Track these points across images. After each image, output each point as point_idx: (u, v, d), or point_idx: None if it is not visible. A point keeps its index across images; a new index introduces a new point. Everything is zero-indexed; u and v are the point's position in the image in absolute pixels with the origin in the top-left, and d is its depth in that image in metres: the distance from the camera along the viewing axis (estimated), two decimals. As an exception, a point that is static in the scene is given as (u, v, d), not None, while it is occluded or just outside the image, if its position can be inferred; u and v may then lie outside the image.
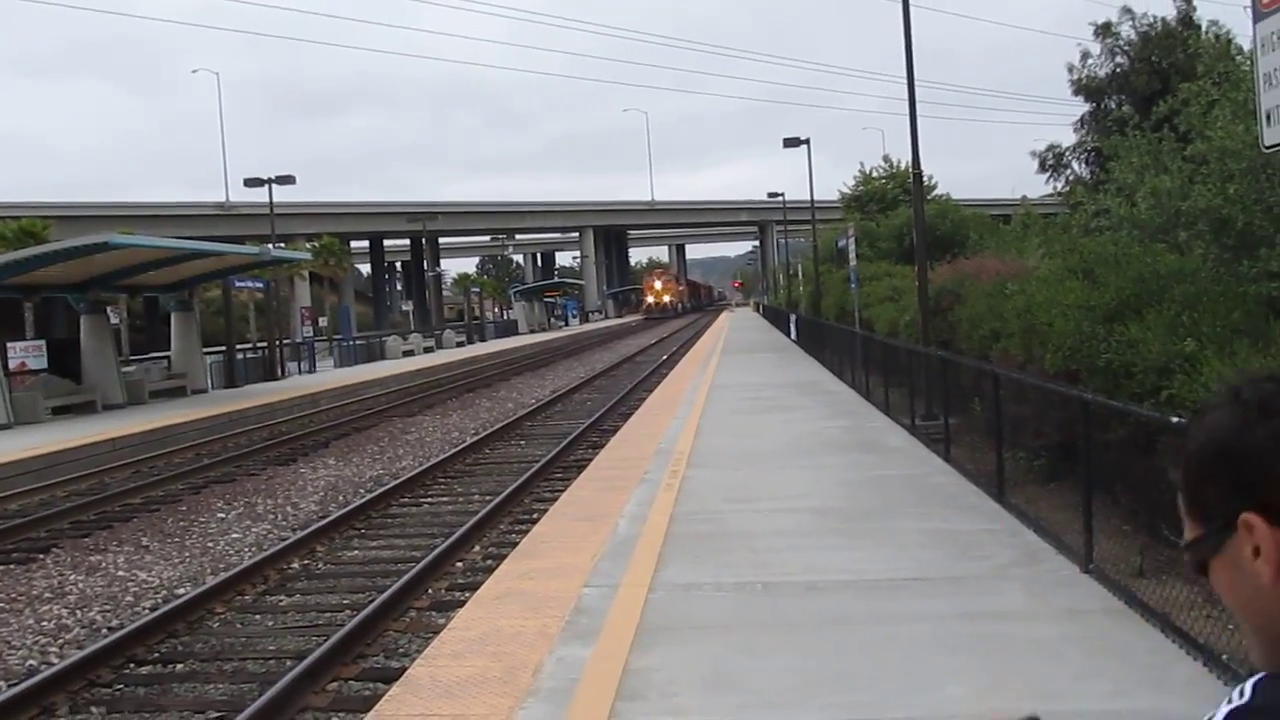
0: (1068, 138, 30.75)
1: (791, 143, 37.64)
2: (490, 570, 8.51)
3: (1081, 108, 28.78)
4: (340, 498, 13.85)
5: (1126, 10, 27.13)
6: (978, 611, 6.03)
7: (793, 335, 37.89)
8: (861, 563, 7.20)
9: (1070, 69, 28.27)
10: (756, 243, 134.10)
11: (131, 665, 7.64)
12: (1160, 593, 5.91)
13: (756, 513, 9.08)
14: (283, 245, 50.21)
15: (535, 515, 11.06)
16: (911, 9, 15.97)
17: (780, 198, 57.19)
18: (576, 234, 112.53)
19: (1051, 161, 29.74)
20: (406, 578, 9.00)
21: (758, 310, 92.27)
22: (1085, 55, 27.86)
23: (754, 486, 10.31)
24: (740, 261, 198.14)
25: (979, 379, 10.61)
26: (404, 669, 6.24)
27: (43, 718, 6.74)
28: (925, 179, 42.73)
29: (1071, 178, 28.91)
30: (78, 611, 9.11)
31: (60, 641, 8.34)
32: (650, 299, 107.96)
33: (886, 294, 23.67)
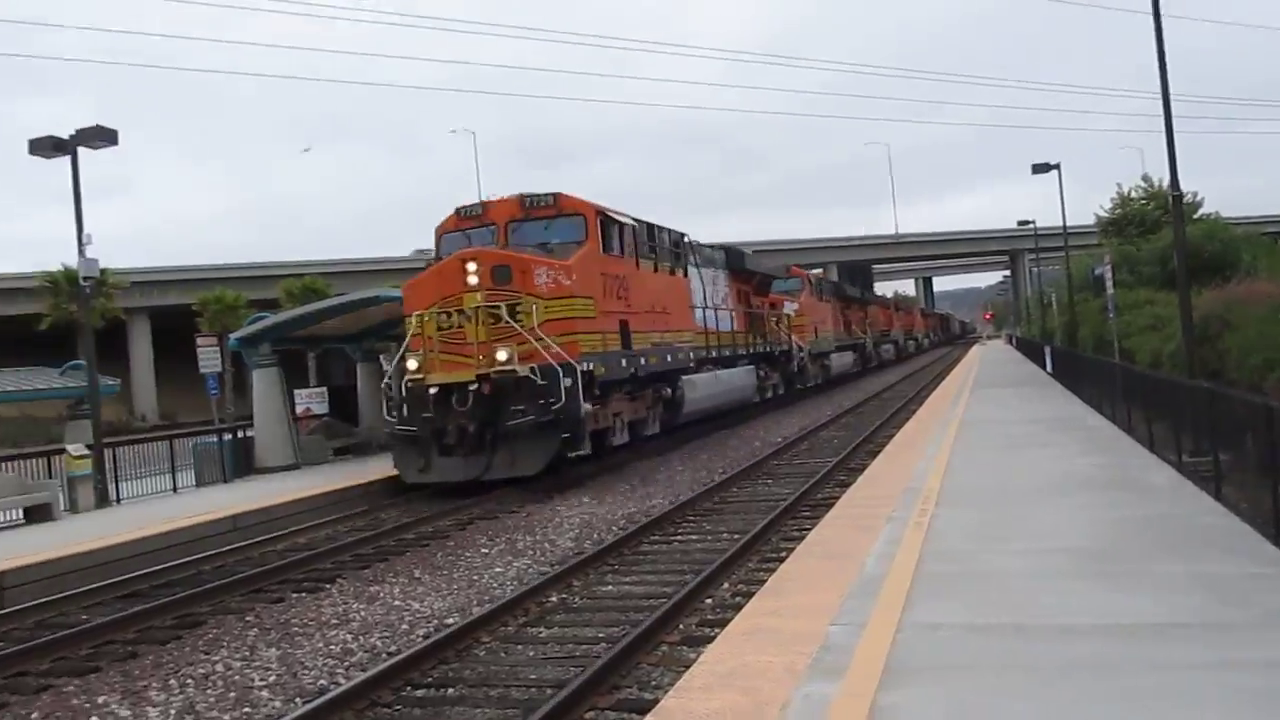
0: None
1: (1040, 168, 36.34)
2: (739, 607, 8.70)
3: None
4: (594, 535, 14.39)
5: None
6: (1245, 661, 5.72)
7: (1048, 368, 36.38)
8: (1120, 606, 6.94)
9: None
10: (1007, 272, 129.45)
11: (408, 688, 8.25)
12: None
13: (1008, 553, 8.87)
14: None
15: (783, 554, 11.16)
16: (1163, 16, 15.29)
17: (1031, 225, 55.08)
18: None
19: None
20: (659, 613, 9.32)
21: (1010, 342, 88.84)
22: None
23: (1006, 526, 10.06)
24: (991, 293, 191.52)
25: (1251, 412, 9.99)
26: (656, 700, 6.48)
27: (333, 734, 7.39)
28: (1189, 197, 40.35)
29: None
30: (360, 637, 9.89)
31: (346, 664, 9.08)
32: (412, 365, 18.33)
33: (1148, 323, 22.52)
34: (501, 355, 17.72)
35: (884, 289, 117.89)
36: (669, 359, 23.36)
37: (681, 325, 24.81)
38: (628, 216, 21.92)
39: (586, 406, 18.36)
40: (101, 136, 19.71)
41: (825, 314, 46.72)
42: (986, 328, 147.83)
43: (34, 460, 21.72)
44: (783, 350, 37.09)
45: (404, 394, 18.45)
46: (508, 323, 18.02)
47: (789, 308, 39.66)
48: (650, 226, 23.65)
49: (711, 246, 30.70)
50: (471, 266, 18.25)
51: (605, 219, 20.66)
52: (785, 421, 30.91)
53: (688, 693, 6.03)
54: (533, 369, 17.65)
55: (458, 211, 20.91)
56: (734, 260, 32.30)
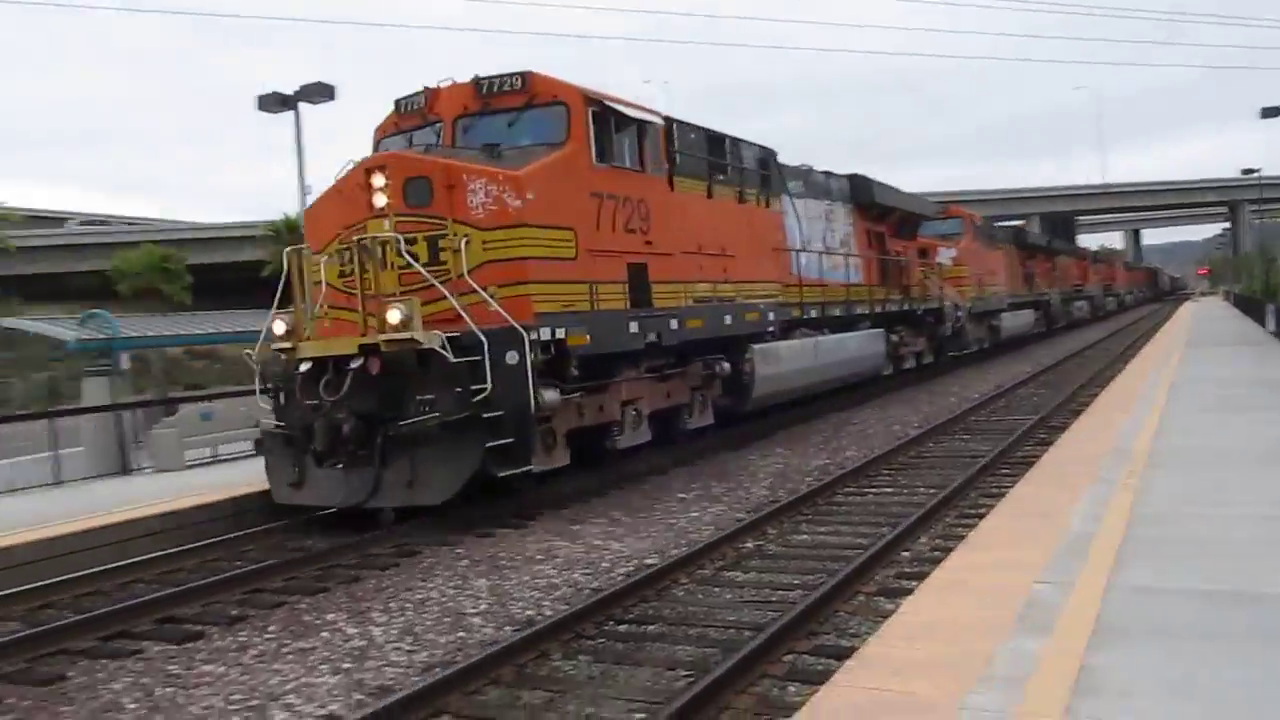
0: None
1: (1270, 112, 34.01)
2: (937, 561, 8.68)
3: None
4: (788, 484, 14.50)
5: None
6: None
7: (1270, 327, 34.18)
8: (1353, 578, 6.61)
9: None
10: (1226, 225, 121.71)
11: (610, 623, 8.57)
12: None
13: (1227, 519, 8.52)
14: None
15: (982, 510, 11.02)
16: None
17: (1255, 174, 51.54)
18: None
19: None
20: (856, 563, 9.38)
21: (1227, 299, 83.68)
22: None
23: (1223, 491, 9.63)
24: (1207, 247, 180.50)
25: None
26: (853, 648, 6.59)
27: (540, 660, 7.79)
28: None
29: None
30: (563, 573, 10.31)
31: (551, 597, 9.50)
32: (279, 328, 12.89)
33: (1390, 281, 20.85)
34: (394, 317, 11.60)
35: (1089, 242, 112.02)
36: (727, 320, 16.92)
37: (758, 274, 18.34)
38: (655, 113, 15.39)
39: (550, 395, 12.58)
40: (321, 92, 20.79)
41: (996, 264, 38.94)
42: (1201, 283, 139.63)
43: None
44: (931, 309, 29.79)
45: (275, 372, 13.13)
46: (428, 266, 12.13)
47: (944, 255, 32.81)
48: (710, 134, 17.19)
49: (828, 173, 24.08)
50: (378, 180, 12.10)
51: (603, 111, 14.00)
52: (981, 378, 30.16)
53: (888, 641, 6.10)
54: (446, 339, 11.76)
55: (398, 106, 14.69)
56: (860, 192, 24.96)
